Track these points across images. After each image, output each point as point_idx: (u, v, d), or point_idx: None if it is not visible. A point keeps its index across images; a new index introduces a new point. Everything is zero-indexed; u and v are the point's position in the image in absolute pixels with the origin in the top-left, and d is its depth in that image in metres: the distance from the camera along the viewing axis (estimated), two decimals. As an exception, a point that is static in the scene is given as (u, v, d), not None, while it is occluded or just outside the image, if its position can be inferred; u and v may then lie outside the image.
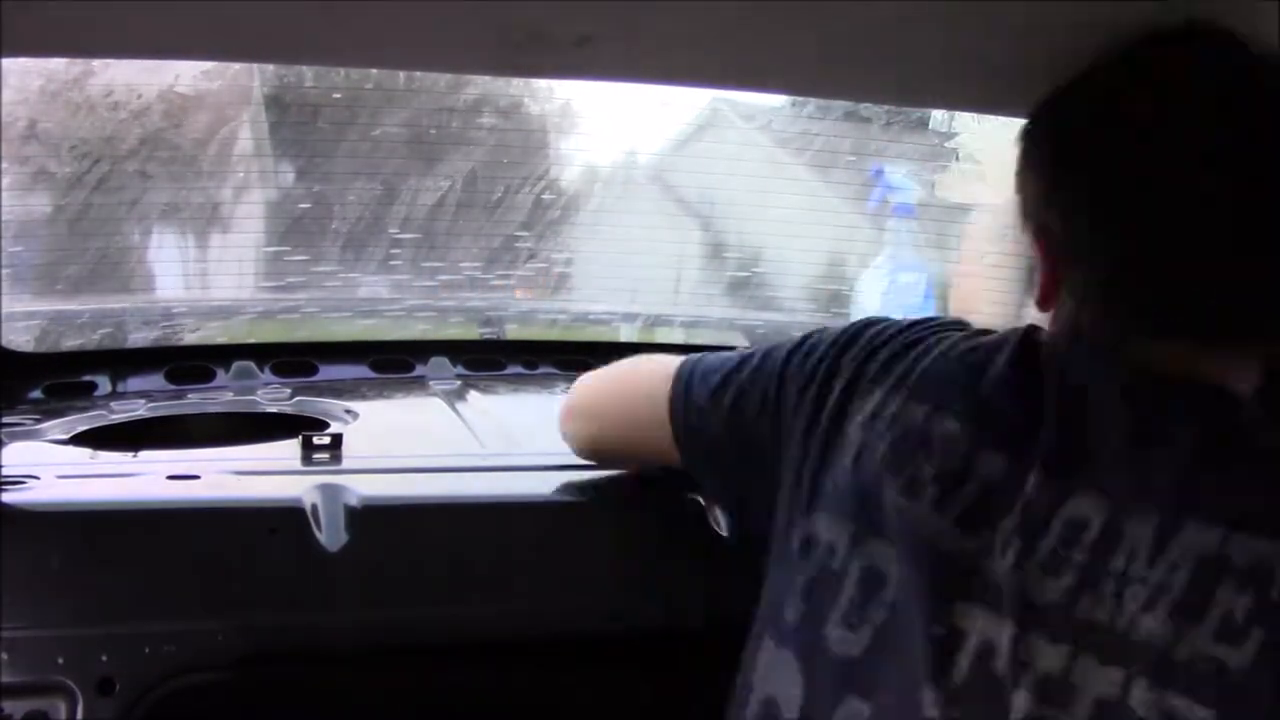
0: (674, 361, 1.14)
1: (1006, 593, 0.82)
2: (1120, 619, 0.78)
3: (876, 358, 0.98)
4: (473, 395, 1.73)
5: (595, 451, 1.28)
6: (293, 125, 1.99)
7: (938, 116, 2.08)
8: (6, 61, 1.49)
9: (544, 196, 2.13)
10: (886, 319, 1.04)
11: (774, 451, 1.01)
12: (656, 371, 1.15)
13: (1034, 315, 0.96)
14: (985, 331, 0.98)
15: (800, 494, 0.96)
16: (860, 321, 1.05)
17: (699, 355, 1.14)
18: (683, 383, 1.11)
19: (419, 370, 1.86)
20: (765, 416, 1.04)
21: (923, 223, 2.28)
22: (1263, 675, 0.74)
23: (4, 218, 1.76)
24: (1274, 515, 0.77)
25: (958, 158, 2.13)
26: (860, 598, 0.88)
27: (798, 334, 1.08)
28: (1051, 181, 0.91)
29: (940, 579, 0.85)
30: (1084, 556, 0.81)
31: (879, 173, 2.25)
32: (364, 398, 1.72)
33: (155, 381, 1.73)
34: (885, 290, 2.27)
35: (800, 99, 2.13)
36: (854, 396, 0.96)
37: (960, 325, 1.01)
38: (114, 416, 1.56)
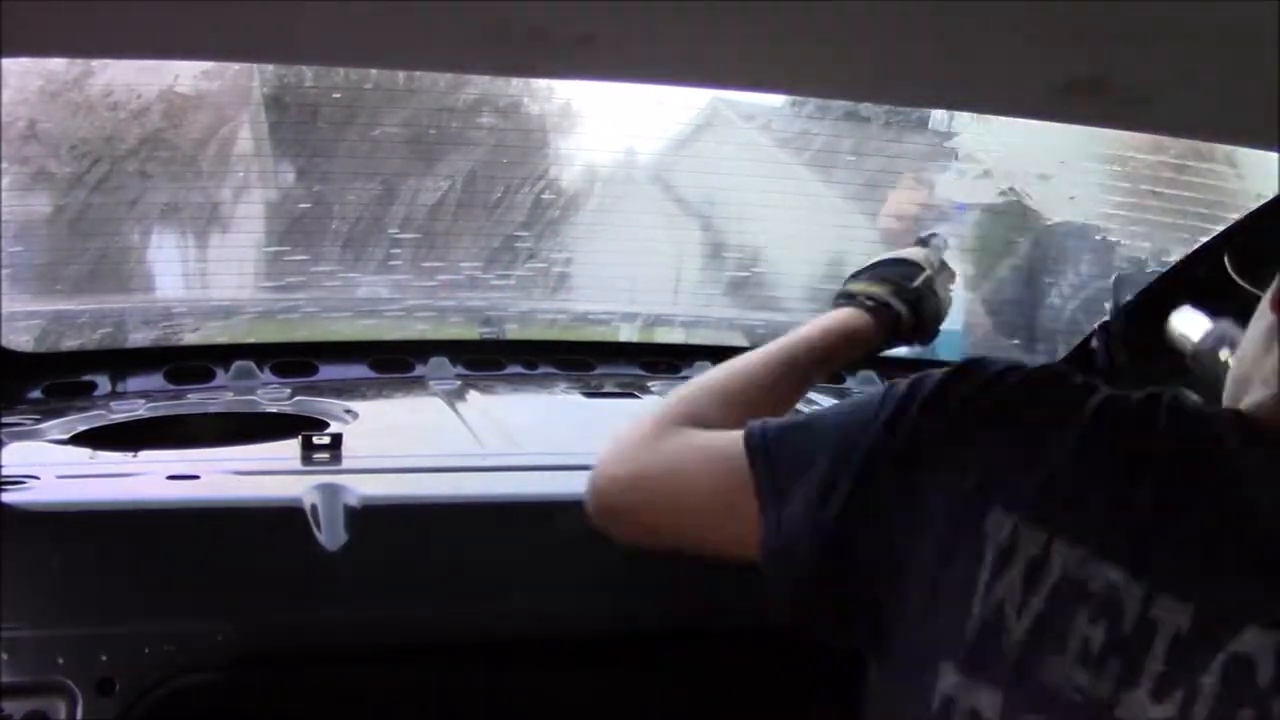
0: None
1: None
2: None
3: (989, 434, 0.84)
4: (473, 395, 1.73)
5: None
6: (293, 125, 1.99)
7: (938, 116, 2.08)
8: (6, 61, 1.49)
9: (544, 196, 2.13)
10: (995, 363, 0.90)
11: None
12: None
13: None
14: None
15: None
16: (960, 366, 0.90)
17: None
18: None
19: (419, 370, 1.86)
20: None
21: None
22: None
23: (4, 218, 1.76)
24: None
25: (957, 158, 2.13)
26: None
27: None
28: None
29: None
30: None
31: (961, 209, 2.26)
32: (364, 398, 1.72)
33: (155, 381, 1.73)
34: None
35: (800, 99, 2.13)
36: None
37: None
38: (114, 416, 1.56)
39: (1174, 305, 1.54)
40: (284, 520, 1.19)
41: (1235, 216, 1.77)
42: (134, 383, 1.72)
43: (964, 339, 2.23)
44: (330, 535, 1.19)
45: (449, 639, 1.21)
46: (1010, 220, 2.19)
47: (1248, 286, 1.70)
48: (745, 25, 0.98)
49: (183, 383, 1.73)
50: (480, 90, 2.05)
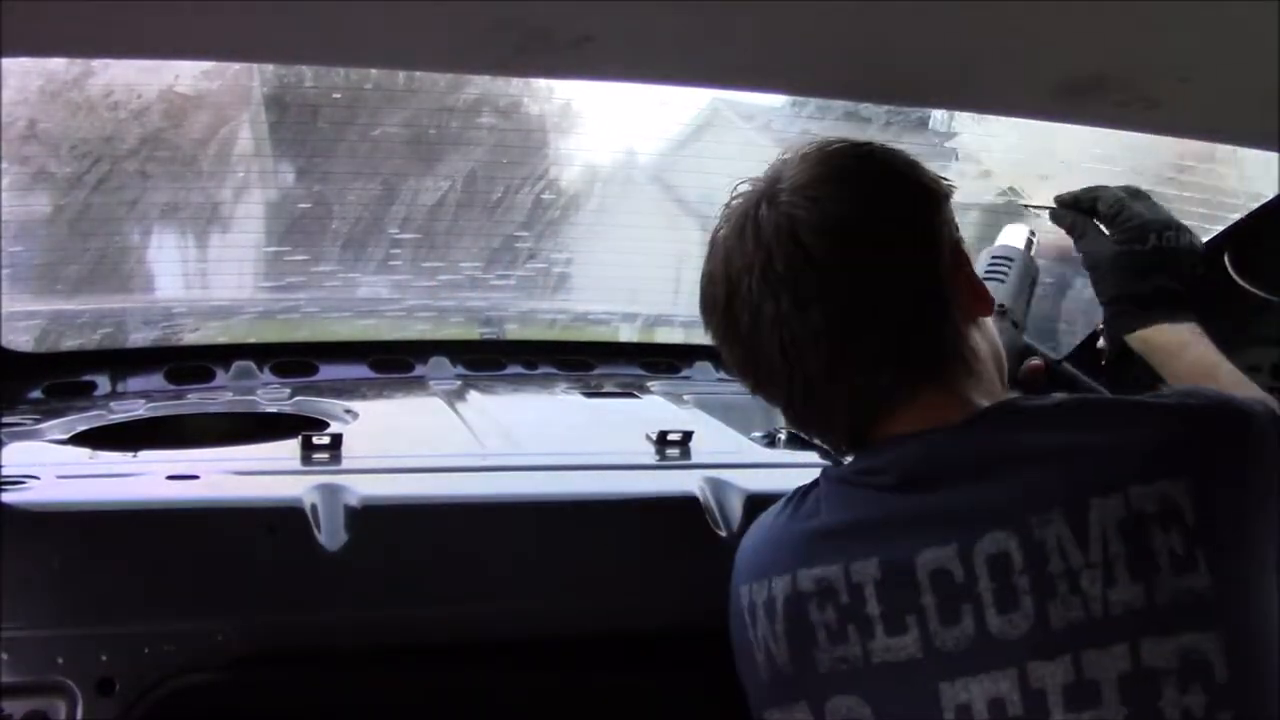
0: None
1: (977, 652, 0.87)
2: (1093, 605, 0.85)
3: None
4: (473, 395, 1.73)
5: None
6: (293, 125, 1.99)
7: (938, 116, 2.08)
8: (6, 61, 1.49)
9: (544, 196, 2.12)
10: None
11: None
12: None
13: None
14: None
15: None
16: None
17: None
18: None
19: (419, 370, 1.86)
20: None
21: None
22: (1222, 587, 0.85)
23: (4, 218, 1.76)
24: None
25: (957, 158, 2.13)
26: None
27: None
28: None
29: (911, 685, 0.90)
30: (1026, 579, 0.87)
31: None
32: (364, 398, 1.72)
33: (155, 381, 1.73)
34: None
35: (800, 99, 2.12)
36: None
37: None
38: (114, 416, 1.56)
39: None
40: (284, 520, 1.19)
41: (1235, 216, 1.77)
42: (134, 383, 1.73)
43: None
44: (330, 535, 1.19)
45: (449, 639, 1.21)
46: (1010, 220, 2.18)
47: (1248, 286, 1.70)
48: (745, 25, 0.98)
49: (183, 383, 1.73)
50: (480, 90, 2.04)
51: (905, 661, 0.89)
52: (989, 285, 1.32)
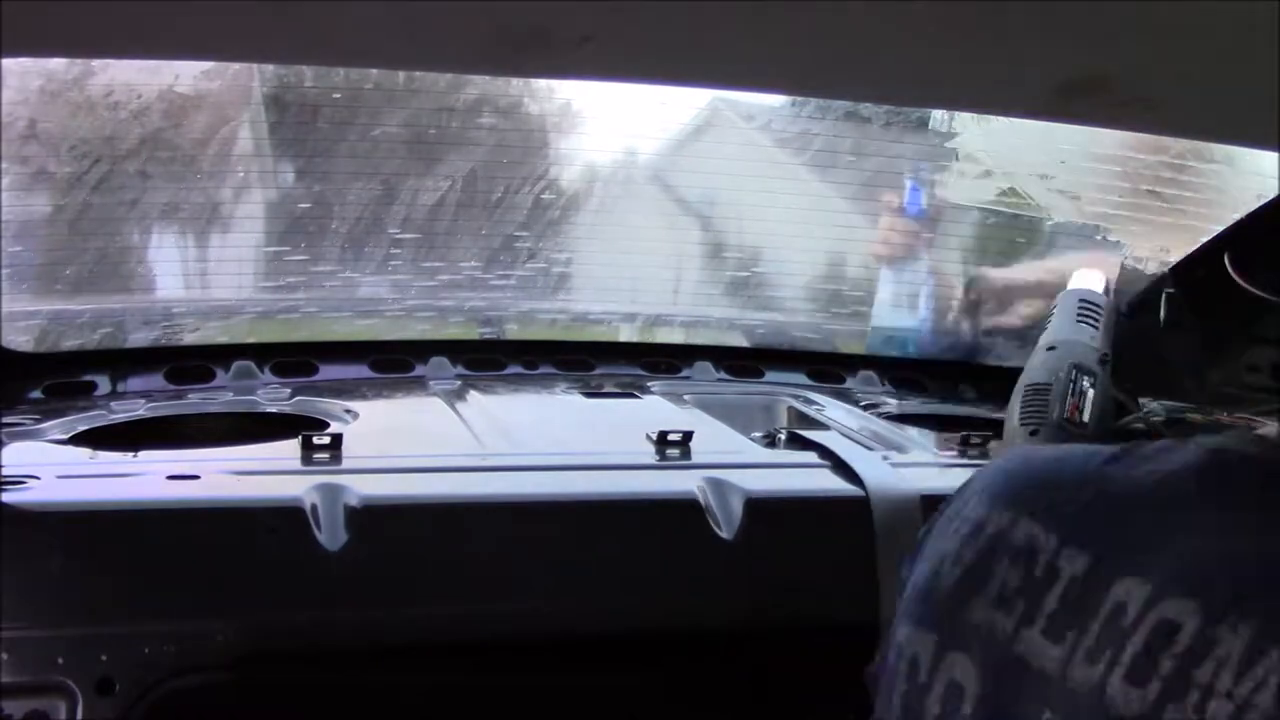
0: None
1: (1088, 704, 0.79)
2: None
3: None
4: (473, 395, 1.73)
5: None
6: (293, 125, 1.98)
7: (938, 116, 2.08)
8: (6, 61, 1.49)
9: (544, 196, 2.12)
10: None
11: None
12: None
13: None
14: None
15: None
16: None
17: None
18: None
19: (419, 370, 1.87)
20: None
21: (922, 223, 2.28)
22: None
23: (4, 218, 1.76)
24: None
25: (958, 158, 2.13)
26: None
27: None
28: None
29: (1023, 693, 0.83)
30: (1171, 665, 0.76)
31: (916, 193, 2.25)
32: (364, 398, 1.72)
33: (155, 381, 1.73)
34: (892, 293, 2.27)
35: (800, 99, 2.12)
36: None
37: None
38: (114, 416, 1.56)
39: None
40: (284, 520, 1.19)
41: (1235, 216, 1.77)
42: (134, 383, 1.73)
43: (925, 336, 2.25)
44: (330, 535, 1.19)
45: (449, 639, 1.21)
46: (1009, 220, 2.18)
47: (1248, 286, 1.70)
48: (745, 25, 0.98)
49: (183, 383, 1.74)
50: (480, 90, 2.04)
51: (1037, 670, 0.82)
52: (1084, 328, 1.29)
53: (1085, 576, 0.82)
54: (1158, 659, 0.76)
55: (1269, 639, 0.73)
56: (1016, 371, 1.45)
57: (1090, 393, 1.27)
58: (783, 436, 1.62)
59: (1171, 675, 0.75)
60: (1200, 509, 0.82)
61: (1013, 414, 1.27)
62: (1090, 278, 1.41)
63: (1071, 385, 1.27)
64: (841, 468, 1.45)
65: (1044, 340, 1.34)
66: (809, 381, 2.03)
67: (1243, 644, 0.73)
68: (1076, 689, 0.79)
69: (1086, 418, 1.26)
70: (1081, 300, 1.37)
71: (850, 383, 2.02)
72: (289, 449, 1.40)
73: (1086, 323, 1.34)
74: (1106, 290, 1.40)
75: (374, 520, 1.21)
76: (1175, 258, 1.83)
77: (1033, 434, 1.25)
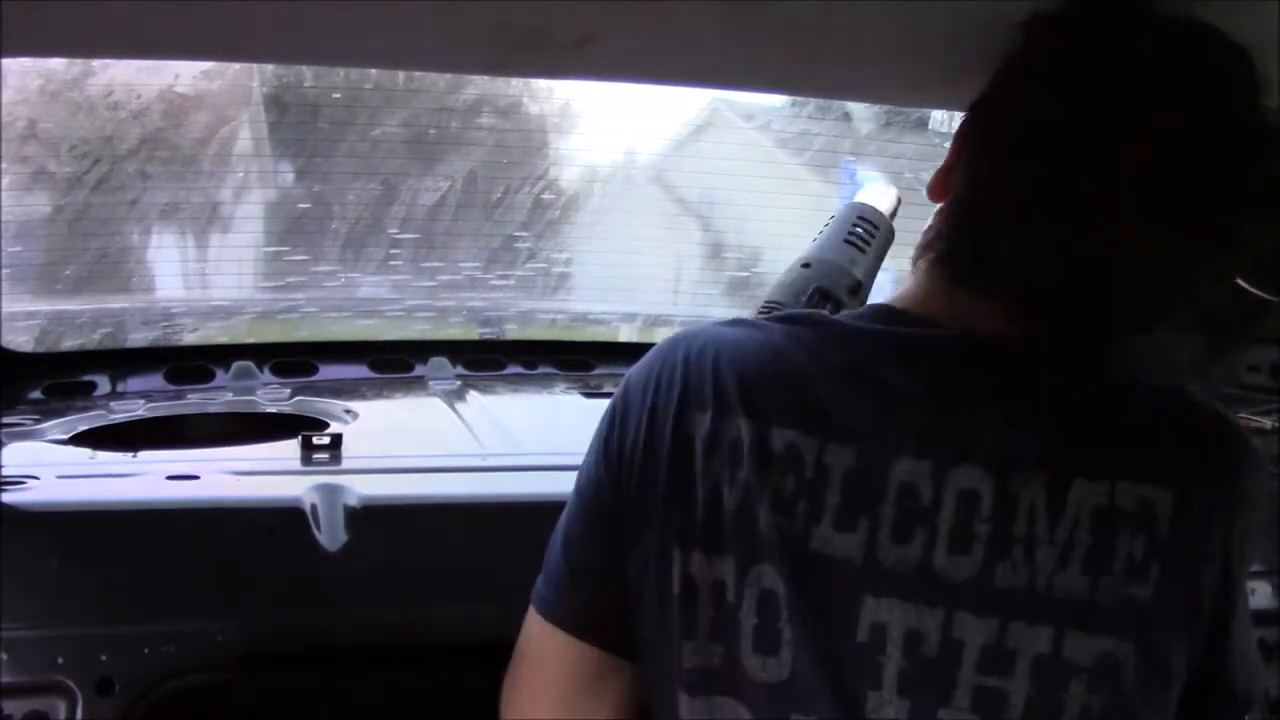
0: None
1: (914, 581, 0.85)
2: (1039, 580, 0.84)
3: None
4: (472, 395, 1.73)
5: None
6: (293, 125, 1.99)
7: (938, 116, 2.08)
8: (6, 61, 1.49)
9: (544, 196, 2.13)
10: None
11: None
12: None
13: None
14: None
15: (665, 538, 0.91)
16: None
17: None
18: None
19: (419, 370, 1.86)
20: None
21: (917, 222, 2.27)
22: (1159, 606, 0.85)
23: (4, 218, 1.76)
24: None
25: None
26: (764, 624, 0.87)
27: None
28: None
29: (834, 585, 0.86)
30: (986, 529, 0.85)
31: (851, 171, 2.25)
32: (364, 398, 1.72)
33: (155, 381, 1.73)
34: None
35: (800, 99, 2.13)
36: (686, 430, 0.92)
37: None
38: (114, 416, 1.56)
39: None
40: (284, 520, 1.19)
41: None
42: (134, 383, 1.73)
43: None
44: (330, 535, 1.19)
45: (449, 639, 1.21)
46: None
47: (1247, 286, 1.70)
48: (745, 25, 0.98)
49: (183, 383, 1.73)
50: (480, 90, 2.04)
51: (840, 560, 0.85)
52: (848, 250, 1.20)
53: (859, 466, 0.86)
54: (971, 525, 0.84)
55: (1061, 486, 0.85)
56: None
57: None
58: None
59: (990, 537, 0.84)
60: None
61: None
62: (880, 195, 1.28)
63: None
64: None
65: (803, 254, 1.23)
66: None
67: (1043, 494, 0.85)
68: (894, 569, 0.85)
69: None
70: (859, 218, 1.25)
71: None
72: (289, 449, 1.40)
73: (854, 244, 1.22)
74: (893, 214, 1.26)
75: (374, 520, 1.21)
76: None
77: None
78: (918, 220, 1.05)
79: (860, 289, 1.20)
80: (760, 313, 1.16)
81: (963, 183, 0.96)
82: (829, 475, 0.86)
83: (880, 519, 0.85)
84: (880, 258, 1.24)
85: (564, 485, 1.36)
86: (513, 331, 2.13)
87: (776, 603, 0.85)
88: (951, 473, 0.85)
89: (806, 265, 1.21)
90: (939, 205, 1.00)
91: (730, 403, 0.89)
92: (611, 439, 0.98)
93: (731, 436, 0.88)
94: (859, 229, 1.23)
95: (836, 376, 0.89)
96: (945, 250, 0.94)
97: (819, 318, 0.95)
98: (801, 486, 0.86)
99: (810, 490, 0.86)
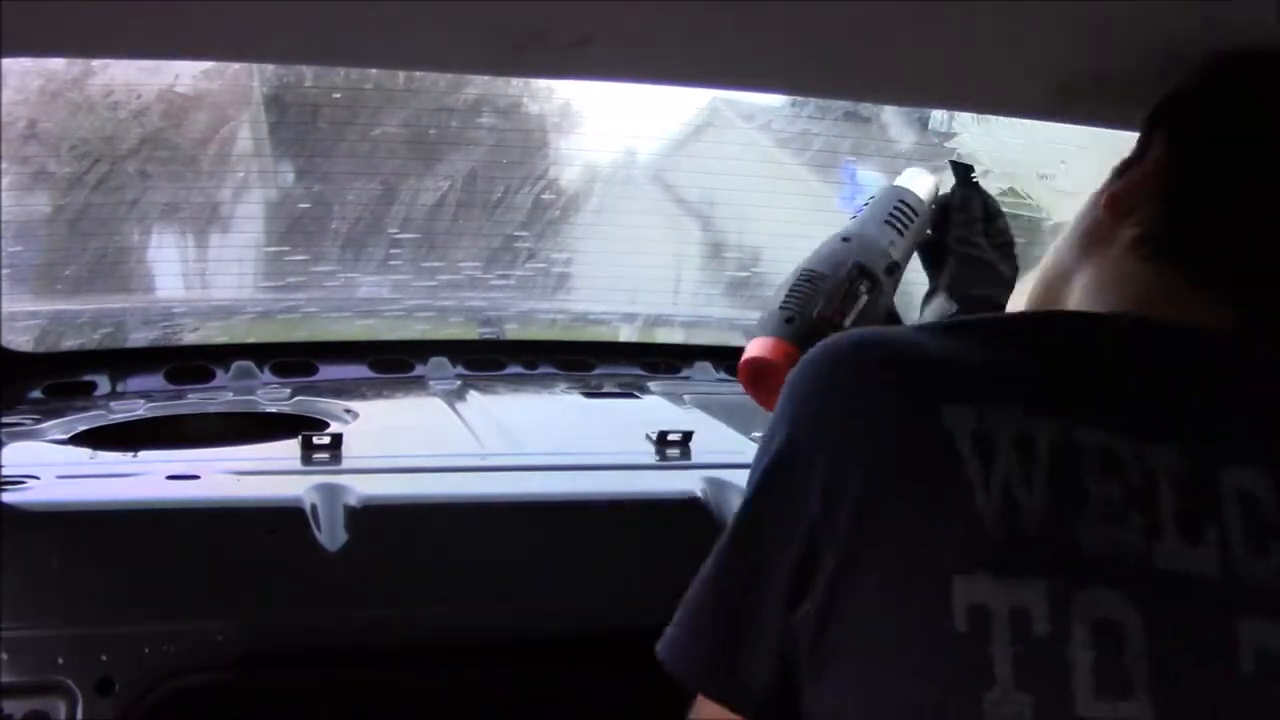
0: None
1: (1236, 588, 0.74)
2: None
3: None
4: (472, 395, 1.73)
5: None
6: (293, 125, 1.99)
7: (938, 116, 2.08)
8: (6, 61, 1.49)
9: (544, 196, 2.13)
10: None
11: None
12: None
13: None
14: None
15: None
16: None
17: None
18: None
19: (419, 370, 1.86)
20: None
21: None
22: None
23: (4, 218, 1.76)
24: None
25: (958, 158, 2.13)
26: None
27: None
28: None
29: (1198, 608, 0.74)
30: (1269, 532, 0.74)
31: (851, 172, 2.25)
32: (364, 398, 1.72)
33: (155, 381, 1.73)
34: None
35: (800, 99, 2.13)
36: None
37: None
38: (114, 416, 1.56)
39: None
40: (284, 520, 1.19)
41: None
42: (134, 383, 1.73)
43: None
44: (330, 535, 1.19)
45: (449, 639, 1.21)
46: (1009, 220, 2.18)
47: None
48: (745, 25, 0.98)
49: (183, 383, 1.73)
50: (480, 90, 2.04)
51: (1196, 578, 0.73)
52: (888, 231, 1.17)
53: (1189, 470, 0.75)
54: None
55: None
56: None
57: (863, 299, 1.14)
58: (783, 436, 1.61)
59: None
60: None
61: (780, 293, 1.14)
62: (919, 179, 1.26)
63: (848, 286, 1.13)
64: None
65: (843, 229, 1.21)
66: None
67: None
68: (1264, 584, 0.73)
69: (848, 323, 1.12)
70: (899, 200, 1.22)
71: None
72: (289, 449, 1.40)
73: (894, 225, 1.19)
74: (932, 201, 1.24)
75: (374, 520, 1.21)
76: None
77: (788, 321, 1.12)
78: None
79: (897, 270, 1.17)
80: (803, 275, 1.12)
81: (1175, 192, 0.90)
82: (1156, 480, 0.75)
83: (1229, 529, 0.74)
84: (916, 243, 1.21)
85: (564, 485, 1.37)
86: (513, 331, 2.13)
87: (1122, 634, 0.72)
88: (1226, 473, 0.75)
89: (846, 239, 1.17)
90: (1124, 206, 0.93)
91: (1006, 391, 0.78)
92: (792, 462, 0.81)
93: (1015, 433, 0.75)
94: (900, 211, 1.20)
95: (1138, 371, 0.80)
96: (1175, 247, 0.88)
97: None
98: (1131, 493, 0.74)
99: (1142, 498, 0.74)
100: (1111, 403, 0.78)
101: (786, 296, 1.12)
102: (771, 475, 0.82)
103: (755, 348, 1.10)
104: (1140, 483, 0.74)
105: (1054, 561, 0.73)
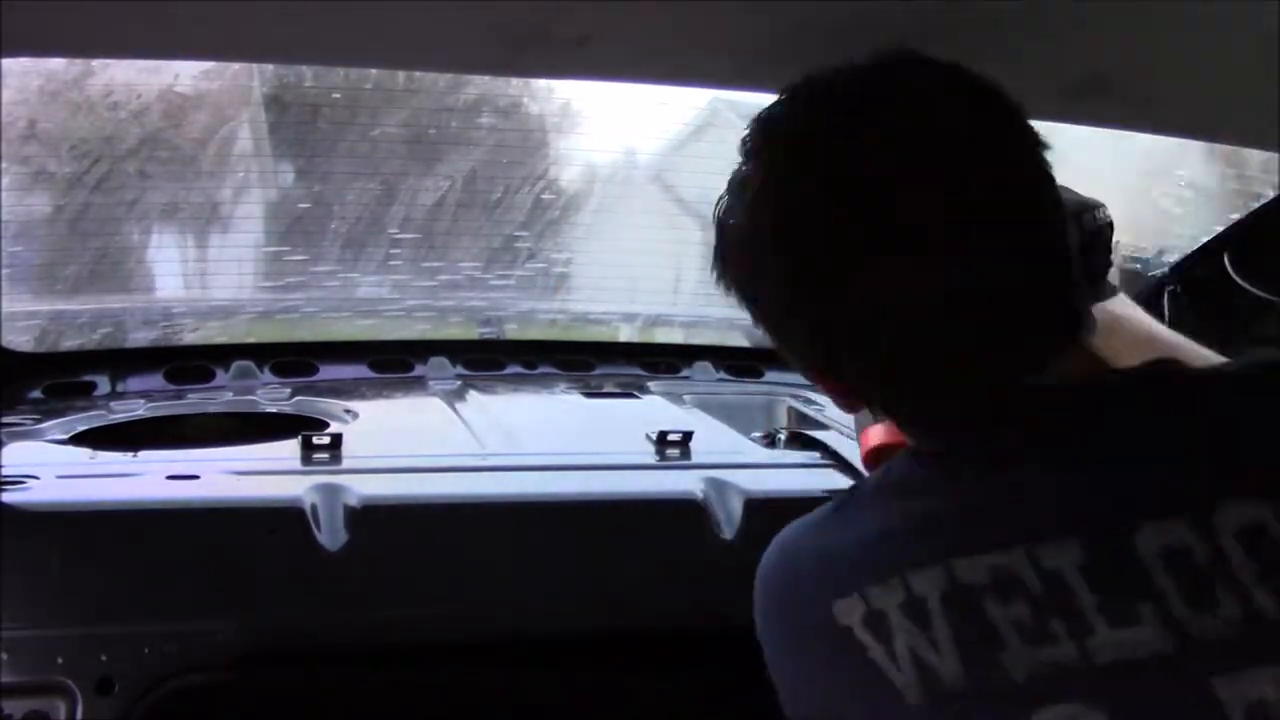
0: None
1: (1253, 640, 0.72)
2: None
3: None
4: (472, 395, 1.73)
5: None
6: (292, 125, 1.99)
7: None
8: (6, 61, 1.49)
9: (544, 196, 2.13)
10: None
11: None
12: None
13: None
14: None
15: None
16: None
17: None
18: None
19: (419, 370, 1.86)
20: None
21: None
22: None
23: (4, 218, 1.76)
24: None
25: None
26: None
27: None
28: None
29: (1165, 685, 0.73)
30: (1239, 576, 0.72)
31: None
32: (364, 398, 1.72)
33: (155, 381, 1.73)
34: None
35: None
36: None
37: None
38: (113, 416, 1.56)
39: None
40: (284, 520, 1.19)
41: (1236, 216, 1.77)
42: (134, 383, 1.73)
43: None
44: (330, 535, 1.19)
45: (449, 639, 1.21)
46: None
47: (1248, 286, 1.70)
48: (745, 25, 0.98)
49: (183, 383, 1.73)
50: (480, 90, 2.04)
51: (1149, 658, 0.71)
52: None
53: (1094, 555, 0.74)
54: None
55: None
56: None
57: None
58: (783, 436, 1.62)
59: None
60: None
61: None
62: None
63: None
64: (843, 466, 1.45)
65: None
66: (809, 381, 2.02)
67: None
68: (1218, 639, 0.71)
69: None
70: None
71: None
72: (289, 449, 1.40)
73: None
74: None
75: (374, 520, 1.21)
76: (1175, 257, 1.83)
77: None
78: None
79: None
80: None
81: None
82: (1061, 579, 0.73)
83: (1163, 596, 0.72)
84: None
85: (564, 485, 1.37)
86: (513, 331, 2.13)
87: None
88: (1215, 518, 0.73)
89: None
90: None
91: (886, 561, 0.79)
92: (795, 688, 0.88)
93: (902, 600, 0.77)
94: None
95: (1023, 468, 0.79)
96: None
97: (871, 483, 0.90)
98: (1038, 604, 0.73)
99: (1053, 603, 0.73)
100: (993, 520, 0.77)
101: None
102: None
103: (874, 437, 1.12)
104: (1044, 589, 0.74)
105: (992, 706, 0.73)
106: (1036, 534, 0.75)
